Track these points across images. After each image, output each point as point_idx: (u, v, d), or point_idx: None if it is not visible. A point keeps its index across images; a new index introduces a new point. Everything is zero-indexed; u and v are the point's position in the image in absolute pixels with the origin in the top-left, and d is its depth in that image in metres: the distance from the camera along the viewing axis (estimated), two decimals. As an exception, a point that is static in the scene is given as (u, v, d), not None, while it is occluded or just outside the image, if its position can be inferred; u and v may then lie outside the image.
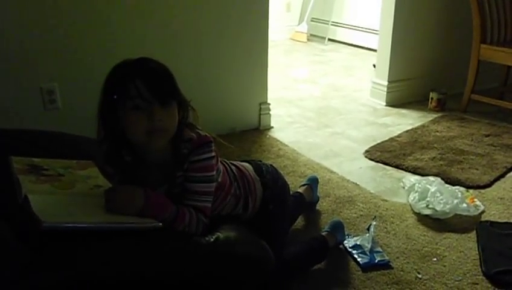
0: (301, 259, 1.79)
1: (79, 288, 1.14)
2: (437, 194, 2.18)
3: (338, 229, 1.95)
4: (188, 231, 1.34)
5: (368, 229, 1.99)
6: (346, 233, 2.00)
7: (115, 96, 1.27)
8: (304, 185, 2.22)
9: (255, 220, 1.62)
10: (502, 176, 2.54)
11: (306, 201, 2.13)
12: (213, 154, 1.39)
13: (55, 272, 1.13)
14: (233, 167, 1.60)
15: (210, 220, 1.41)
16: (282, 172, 2.41)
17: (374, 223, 2.00)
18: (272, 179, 1.69)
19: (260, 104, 3.13)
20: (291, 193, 2.01)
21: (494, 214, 2.20)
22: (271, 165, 1.77)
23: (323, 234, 1.90)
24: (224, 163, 1.58)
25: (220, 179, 1.48)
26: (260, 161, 1.77)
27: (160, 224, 1.26)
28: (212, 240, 1.34)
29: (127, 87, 1.25)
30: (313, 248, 1.84)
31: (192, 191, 1.38)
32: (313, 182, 2.24)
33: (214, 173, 1.41)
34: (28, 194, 1.19)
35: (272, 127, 3.20)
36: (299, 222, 2.11)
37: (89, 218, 1.20)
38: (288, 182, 1.86)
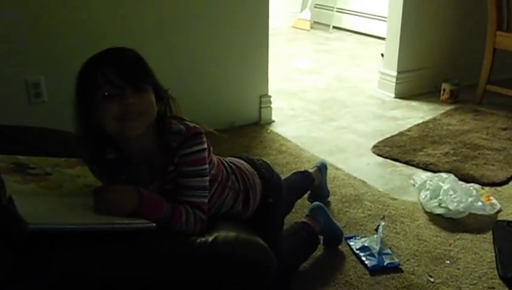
0: (298, 255, 1.83)
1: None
2: (450, 192, 2.18)
3: (319, 212, 1.97)
4: (186, 230, 1.34)
5: (376, 229, 1.99)
6: (353, 234, 2.01)
7: (86, 90, 1.29)
8: (312, 167, 2.30)
9: (254, 216, 1.64)
10: (520, 172, 2.54)
11: (314, 181, 2.20)
12: (205, 146, 1.39)
13: (42, 277, 1.13)
14: (229, 162, 1.62)
15: (208, 218, 1.41)
16: (284, 169, 2.43)
17: (383, 223, 2.00)
18: (267, 171, 1.71)
19: (260, 96, 3.13)
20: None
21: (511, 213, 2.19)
22: (261, 158, 1.81)
23: (306, 220, 1.95)
24: (219, 157, 1.59)
25: (213, 171, 1.48)
26: (245, 156, 1.80)
27: (154, 225, 1.26)
28: (209, 240, 1.34)
29: (95, 76, 1.27)
30: (305, 240, 1.88)
31: (186, 186, 1.38)
32: (322, 167, 2.30)
33: (207, 166, 1.41)
34: (13, 195, 1.19)
35: (273, 121, 3.20)
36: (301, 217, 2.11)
37: (78, 219, 1.20)
38: (292, 180, 1.88)
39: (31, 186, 1.29)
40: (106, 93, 1.27)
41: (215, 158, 1.52)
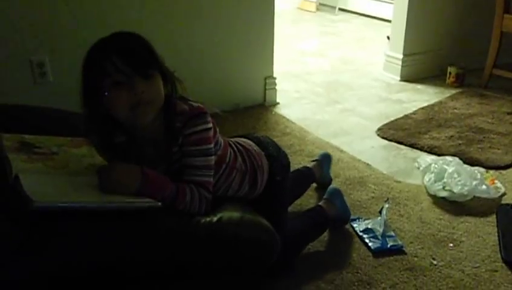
0: (304, 235, 1.83)
1: (71, 271, 1.15)
2: (455, 175, 2.18)
3: (336, 196, 1.98)
4: (190, 210, 1.35)
5: (380, 212, 1.99)
6: (356, 216, 2.01)
7: (94, 78, 1.29)
8: (314, 160, 2.26)
9: (261, 194, 1.64)
10: (525, 156, 2.54)
11: (315, 177, 2.17)
12: (209, 125, 1.39)
13: (47, 254, 1.13)
14: (236, 143, 1.62)
15: (213, 199, 1.41)
16: (288, 151, 2.43)
17: (387, 205, 2.00)
18: (274, 150, 1.71)
19: (265, 78, 3.11)
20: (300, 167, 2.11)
21: (516, 197, 2.20)
22: (267, 136, 1.80)
23: (321, 203, 1.95)
24: (226, 138, 1.59)
25: (220, 152, 1.48)
26: (253, 133, 1.80)
27: (159, 203, 1.26)
28: (214, 220, 1.34)
29: (103, 65, 1.27)
30: (314, 221, 1.88)
31: (191, 165, 1.38)
32: (324, 159, 2.26)
33: (212, 145, 1.41)
34: (19, 174, 1.19)
35: (278, 103, 3.19)
36: (306, 202, 2.11)
37: (83, 198, 1.20)
38: (295, 162, 1.87)
39: (37, 165, 1.29)
40: (115, 82, 1.27)
41: (221, 139, 1.51)
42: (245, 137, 1.72)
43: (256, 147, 1.66)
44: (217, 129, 1.47)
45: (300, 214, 1.95)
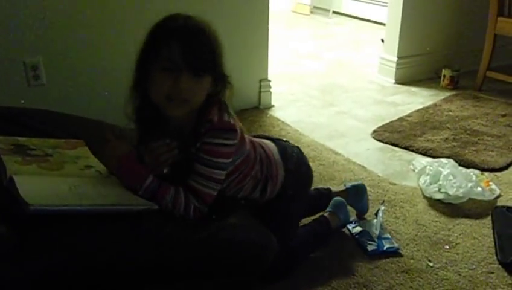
0: (305, 244, 1.80)
1: (68, 275, 1.14)
2: (450, 177, 2.18)
3: (340, 208, 1.95)
4: (174, 211, 1.33)
5: (376, 214, 1.99)
6: (352, 218, 2.01)
7: (149, 52, 1.30)
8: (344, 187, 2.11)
9: (271, 203, 1.63)
10: (519, 158, 2.54)
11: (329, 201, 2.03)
12: (230, 142, 1.38)
13: (43, 258, 1.13)
14: (260, 149, 1.59)
15: (217, 203, 1.40)
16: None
17: (383, 208, 2.00)
18: (295, 164, 1.67)
19: (260, 80, 3.11)
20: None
21: (511, 199, 2.20)
22: (298, 147, 1.76)
23: (325, 215, 1.91)
24: (252, 143, 1.57)
25: (238, 162, 1.47)
26: (286, 141, 1.76)
27: (156, 206, 1.25)
28: (210, 224, 1.34)
29: (160, 47, 1.27)
30: (316, 232, 1.85)
31: (197, 172, 1.37)
32: (352, 190, 2.08)
33: (226, 161, 1.39)
34: (14, 176, 1.18)
35: (273, 106, 3.19)
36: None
37: (79, 200, 1.20)
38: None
39: (32, 167, 1.29)
40: (164, 68, 1.27)
41: (248, 148, 1.50)
42: (274, 140, 1.70)
43: (277, 156, 1.63)
44: (245, 138, 1.48)
45: (305, 224, 1.89)
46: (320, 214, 1.92)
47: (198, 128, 1.35)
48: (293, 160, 1.67)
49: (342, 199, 1.98)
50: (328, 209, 1.94)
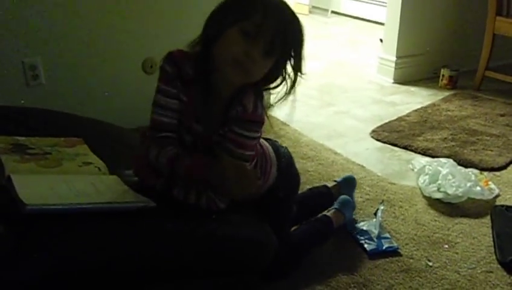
0: (304, 242, 1.79)
1: (67, 275, 1.14)
2: (449, 177, 2.18)
3: (347, 206, 1.95)
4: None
5: (375, 214, 1.98)
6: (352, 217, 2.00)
7: (237, 9, 1.26)
8: (334, 181, 2.14)
9: (262, 203, 1.60)
10: (518, 157, 2.54)
11: (333, 197, 2.03)
12: (256, 135, 1.38)
13: (42, 258, 1.12)
14: (259, 146, 1.57)
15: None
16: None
17: (382, 207, 2.00)
18: (286, 165, 1.66)
19: (259, 80, 3.10)
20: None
21: (510, 198, 2.20)
22: (286, 148, 1.74)
23: (330, 213, 1.90)
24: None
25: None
26: (276, 141, 1.74)
27: (154, 204, 1.25)
28: (211, 222, 1.34)
29: (256, 12, 1.23)
30: (317, 230, 1.84)
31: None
32: (343, 183, 2.11)
33: (251, 152, 1.40)
34: (11, 174, 1.18)
35: (272, 106, 3.17)
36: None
37: (77, 198, 1.19)
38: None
39: (30, 165, 1.28)
40: (245, 31, 1.23)
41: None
42: (266, 140, 1.67)
43: (272, 154, 1.62)
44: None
45: (306, 223, 1.87)
46: (324, 213, 1.91)
47: (230, 108, 1.33)
48: (285, 160, 1.66)
49: (349, 198, 1.99)
50: (334, 206, 1.93)
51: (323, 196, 2.02)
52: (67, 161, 1.37)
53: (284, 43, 1.27)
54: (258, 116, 1.35)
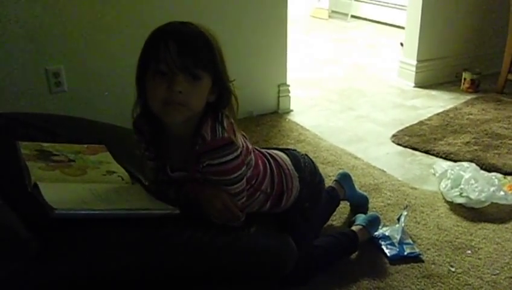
0: (327, 254, 1.78)
1: (88, 280, 1.16)
2: (471, 181, 2.16)
3: (374, 224, 1.94)
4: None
5: (398, 219, 1.98)
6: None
7: (144, 58, 1.28)
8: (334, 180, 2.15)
9: (287, 213, 1.60)
10: (542, 162, 2.51)
11: (339, 197, 2.07)
12: (234, 154, 1.31)
13: (66, 263, 1.14)
14: (272, 161, 1.54)
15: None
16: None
17: (405, 213, 1.98)
18: (310, 175, 1.64)
19: (279, 85, 3.12)
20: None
21: (534, 203, 2.17)
22: (307, 155, 1.72)
23: (356, 228, 1.89)
24: (262, 155, 1.53)
25: (249, 174, 1.42)
26: (295, 150, 1.71)
27: (178, 211, 1.27)
28: (230, 231, 1.35)
29: (157, 48, 1.23)
30: (341, 244, 1.82)
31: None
32: (342, 178, 2.13)
33: (241, 171, 1.35)
34: (38, 182, 1.21)
35: (292, 111, 3.19)
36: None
37: (102, 205, 1.22)
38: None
39: (55, 173, 1.31)
40: (159, 71, 1.23)
41: (254, 158, 1.45)
42: (285, 151, 1.64)
43: (291, 167, 1.58)
44: (249, 148, 1.41)
45: (332, 234, 1.87)
46: (352, 228, 1.91)
47: (194, 144, 1.30)
48: (307, 170, 1.64)
49: (377, 215, 1.98)
50: (360, 222, 1.92)
51: (334, 200, 2.04)
52: (92, 169, 1.40)
53: (199, 60, 1.25)
54: (219, 140, 1.29)
